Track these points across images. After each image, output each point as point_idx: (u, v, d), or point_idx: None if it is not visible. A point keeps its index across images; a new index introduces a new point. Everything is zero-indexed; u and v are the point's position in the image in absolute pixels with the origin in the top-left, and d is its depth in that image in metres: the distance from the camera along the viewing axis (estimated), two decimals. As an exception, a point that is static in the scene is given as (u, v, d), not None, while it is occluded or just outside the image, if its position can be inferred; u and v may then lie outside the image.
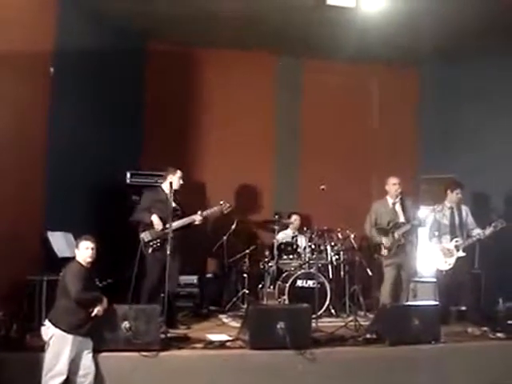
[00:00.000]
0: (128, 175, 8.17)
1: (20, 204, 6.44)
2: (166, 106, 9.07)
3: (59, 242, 6.73)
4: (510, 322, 6.71)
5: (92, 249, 5.27)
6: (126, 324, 5.40)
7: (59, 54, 7.17)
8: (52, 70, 7.10)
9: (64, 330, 4.99)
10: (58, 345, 4.96)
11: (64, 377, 4.94)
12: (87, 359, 5.12)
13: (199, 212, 7.07)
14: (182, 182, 7.09)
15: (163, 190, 7.10)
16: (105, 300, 5.29)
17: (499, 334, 6.58)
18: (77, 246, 5.31)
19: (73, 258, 5.36)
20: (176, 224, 6.80)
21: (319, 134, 9.64)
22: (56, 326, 5.00)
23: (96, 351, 5.26)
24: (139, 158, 8.67)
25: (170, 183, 6.83)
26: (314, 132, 9.65)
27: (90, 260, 5.26)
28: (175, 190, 6.93)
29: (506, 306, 7.12)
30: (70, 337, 4.99)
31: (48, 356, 4.97)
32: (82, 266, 5.24)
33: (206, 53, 9.30)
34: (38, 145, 6.96)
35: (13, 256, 6.04)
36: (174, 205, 6.87)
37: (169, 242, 6.34)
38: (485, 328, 6.75)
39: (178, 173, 7.10)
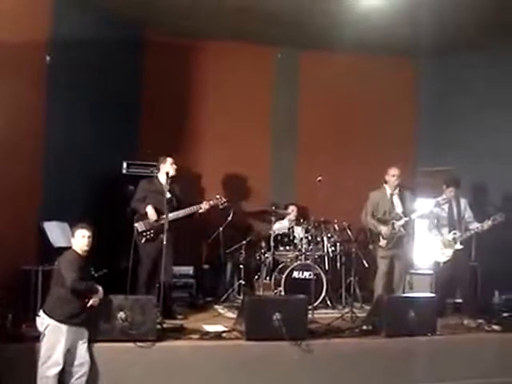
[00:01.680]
0: (124, 165, 8.13)
1: (15, 194, 6.41)
2: (164, 96, 8.99)
3: (55, 231, 6.70)
4: (505, 314, 6.73)
5: (88, 237, 5.21)
6: (121, 314, 5.40)
7: (55, 44, 7.12)
8: (48, 58, 7.05)
9: (58, 320, 4.95)
10: (53, 335, 4.93)
11: (60, 367, 4.92)
12: (82, 349, 5.11)
13: (204, 202, 7.11)
14: (175, 166, 7.08)
15: (159, 181, 7.11)
16: (100, 290, 5.25)
17: (495, 327, 6.61)
18: (73, 235, 5.26)
19: (69, 248, 5.33)
20: (177, 214, 6.81)
21: (317, 125, 9.61)
22: (50, 317, 4.96)
23: (92, 341, 5.26)
24: (136, 148, 8.62)
25: (167, 173, 6.86)
26: (312, 123, 9.62)
27: (86, 248, 5.21)
28: (171, 180, 6.93)
29: (502, 298, 7.15)
30: (64, 327, 4.96)
31: (43, 347, 4.95)
32: (78, 254, 5.19)
33: (204, 44, 9.23)
34: (34, 135, 6.92)
35: (8, 246, 6.02)
36: (168, 195, 6.89)
37: (164, 232, 6.34)
38: (481, 320, 6.77)
39: (169, 160, 7.10)
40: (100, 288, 5.26)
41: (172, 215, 6.80)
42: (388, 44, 8.96)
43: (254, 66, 9.45)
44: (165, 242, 6.31)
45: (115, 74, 8.27)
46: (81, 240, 5.19)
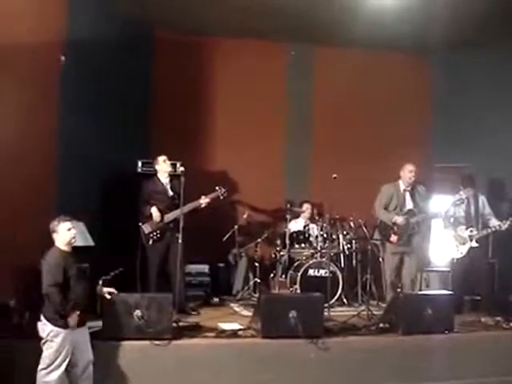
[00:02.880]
0: (139, 164, 8.15)
1: (32, 194, 6.44)
2: (175, 94, 9.00)
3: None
4: (523, 311, 6.67)
5: (73, 228, 4.93)
6: (138, 313, 5.41)
7: (69, 44, 7.14)
8: (63, 58, 7.08)
9: (58, 326, 4.77)
10: (56, 340, 4.76)
11: (61, 371, 4.77)
12: (85, 350, 4.96)
13: (203, 196, 7.11)
14: (168, 163, 7.13)
15: (159, 180, 7.18)
16: (77, 312, 4.83)
17: (513, 324, 6.54)
18: (54, 230, 4.91)
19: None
20: (178, 212, 6.78)
21: (331, 122, 9.58)
22: (51, 323, 4.78)
23: (108, 340, 5.30)
24: (148, 148, 8.63)
25: (165, 171, 7.08)
26: (327, 120, 9.58)
27: (74, 241, 4.95)
28: (172, 178, 7.10)
29: (520, 295, 7.08)
30: (65, 331, 4.77)
31: (45, 352, 4.78)
32: (63, 251, 4.89)
33: (216, 41, 9.23)
34: (48, 136, 6.94)
35: (25, 245, 6.05)
36: (171, 193, 6.96)
37: (180, 231, 6.43)
38: (498, 318, 6.70)
39: (160, 158, 7.16)
40: (78, 307, 4.87)
41: (172, 214, 6.92)
42: (402, 40, 8.91)
43: (267, 63, 9.40)
44: (180, 241, 6.42)
45: (128, 73, 8.27)
46: (66, 233, 4.89)
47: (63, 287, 4.77)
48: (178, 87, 8.99)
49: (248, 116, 9.29)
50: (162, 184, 7.15)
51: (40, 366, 4.79)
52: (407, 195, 7.48)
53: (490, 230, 7.33)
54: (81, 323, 4.91)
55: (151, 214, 6.97)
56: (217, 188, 7.28)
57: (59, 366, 4.76)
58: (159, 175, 7.20)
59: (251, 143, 9.19)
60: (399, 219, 7.26)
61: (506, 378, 6.02)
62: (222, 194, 7.28)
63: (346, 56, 9.20)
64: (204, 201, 7.09)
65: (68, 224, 4.91)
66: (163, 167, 7.15)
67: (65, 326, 4.77)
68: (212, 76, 9.26)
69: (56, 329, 4.77)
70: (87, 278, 5.16)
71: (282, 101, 9.57)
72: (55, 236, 4.93)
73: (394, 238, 7.30)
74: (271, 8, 8.00)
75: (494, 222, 7.33)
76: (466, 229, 7.38)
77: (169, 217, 6.97)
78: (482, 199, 7.53)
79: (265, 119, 9.36)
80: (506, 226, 7.18)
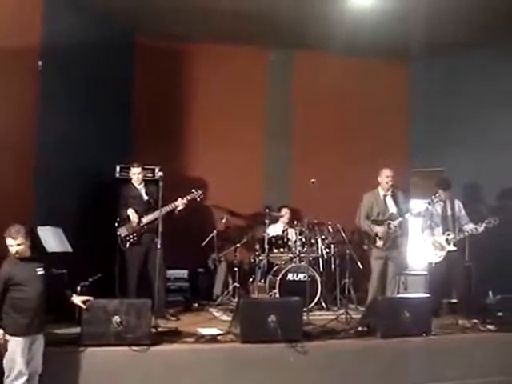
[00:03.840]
0: (117, 169, 8.13)
1: (8, 199, 6.37)
2: (156, 99, 8.99)
3: (48, 236, 6.68)
4: (500, 313, 6.74)
5: (17, 245, 4.74)
6: (116, 318, 5.36)
7: (46, 48, 7.10)
8: (40, 63, 7.03)
9: (12, 335, 4.68)
10: (11, 348, 4.66)
11: (25, 377, 4.67)
12: (35, 360, 4.83)
13: (179, 199, 7.10)
14: (138, 176, 7.19)
15: (134, 186, 7.25)
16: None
17: (490, 326, 6.63)
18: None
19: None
20: (154, 214, 6.84)
21: (311, 127, 9.64)
22: (5, 332, 4.69)
23: (87, 346, 5.24)
24: (128, 152, 8.60)
25: (141, 179, 7.22)
26: (306, 125, 9.64)
27: (18, 256, 4.77)
28: (146, 183, 7.25)
29: (496, 298, 7.15)
30: (20, 339, 4.67)
31: (5, 360, 4.68)
32: (13, 257, 4.77)
33: (196, 47, 9.25)
34: (26, 139, 6.90)
35: (1, 251, 5.97)
36: (146, 198, 7.10)
37: (159, 236, 6.43)
38: (475, 320, 6.79)
39: (132, 170, 7.24)
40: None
41: (151, 216, 6.96)
42: (381, 45, 9.00)
43: (247, 70, 9.45)
44: (159, 246, 6.40)
45: (107, 77, 8.25)
46: (10, 248, 4.76)
47: (4, 293, 4.69)
48: (158, 91, 8.99)
49: (227, 120, 9.30)
50: (136, 189, 7.21)
51: (5, 375, 4.69)
52: (388, 200, 7.55)
53: (466, 234, 7.43)
54: (35, 331, 4.81)
55: (128, 217, 6.98)
56: (193, 190, 7.27)
57: (22, 371, 4.65)
58: (133, 181, 7.25)
59: (230, 148, 9.19)
60: (379, 230, 7.32)
61: (484, 379, 6.09)
62: (199, 196, 7.28)
63: (326, 61, 9.26)
64: (180, 202, 7.09)
65: (10, 241, 4.76)
66: (134, 178, 7.23)
67: (15, 333, 4.68)
68: (192, 80, 9.26)
69: (11, 337, 4.68)
70: (49, 284, 4.90)
71: (261, 105, 9.62)
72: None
73: (379, 242, 7.36)
74: (251, 14, 8.04)
75: (470, 226, 7.43)
76: (443, 233, 7.46)
77: (148, 219, 6.98)
78: (458, 203, 7.63)
79: (244, 123, 9.38)
80: (482, 229, 7.28)
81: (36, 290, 4.80)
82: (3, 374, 4.72)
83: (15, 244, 4.76)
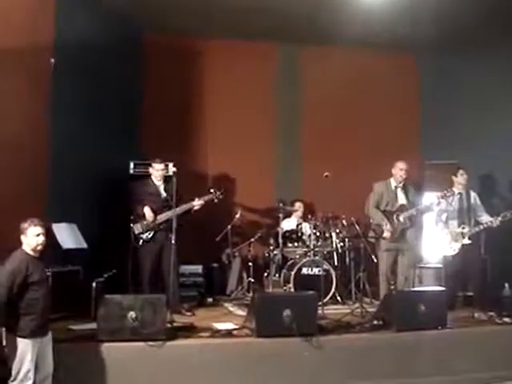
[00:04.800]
0: (131, 165, 8.16)
1: (23, 196, 6.41)
2: (166, 95, 9.02)
3: (64, 233, 6.73)
4: (516, 306, 6.70)
5: (43, 234, 4.70)
6: (132, 314, 5.39)
7: (58, 46, 7.11)
8: (53, 60, 7.05)
9: (21, 336, 4.57)
10: (20, 350, 4.56)
11: (31, 381, 4.60)
12: (45, 362, 4.77)
13: (196, 199, 7.10)
14: (162, 172, 7.13)
15: (153, 182, 7.20)
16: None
17: (506, 319, 6.57)
18: (23, 233, 4.69)
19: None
20: (171, 213, 6.77)
21: (322, 120, 9.63)
22: (13, 333, 4.58)
23: (103, 341, 5.28)
24: (137, 148, 8.63)
25: (162, 176, 7.13)
26: (317, 119, 9.63)
27: (40, 248, 4.72)
28: (165, 180, 7.12)
29: (512, 290, 7.10)
30: (31, 341, 4.59)
31: (12, 362, 4.57)
32: (28, 255, 4.68)
33: (204, 43, 9.26)
34: (39, 137, 6.91)
35: (17, 249, 6.01)
36: (164, 195, 7.03)
37: (173, 231, 6.42)
38: (491, 313, 6.74)
39: (155, 166, 7.16)
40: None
41: (164, 215, 6.94)
42: (390, 39, 8.98)
43: (257, 64, 9.46)
44: (173, 242, 6.40)
45: (117, 75, 8.26)
46: (34, 239, 4.67)
47: (20, 293, 4.58)
48: (169, 88, 9.00)
49: (238, 116, 9.32)
50: (155, 185, 7.16)
51: (12, 377, 4.59)
52: (399, 191, 7.51)
53: (482, 227, 7.36)
54: (43, 333, 4.75)
55: (144, 214, 6.97)
56: (212, 190, 7.26)
57: (28, 375, 4.57)
58: (153, 177, 7.20)
59: (242, 143, 9.22)
60: (388, 225, 7.28)
61: (499, 373, 6.04)
62: (217, 197, 7.26)
63: (335, 56, 9.19)
64: (197, 203, 7.09)
65: (38, 229, 4.69)
66: (155, 174, 7.16)
67: (25, 334, 4.59)
68: (201, 78, 9.28)
69: (18, 338, 4.58)
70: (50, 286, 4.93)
71: (271, 101, 9.60)
72: (23, 238, 4.73)
73: (387, 234, 7.32)
74: (259, 9, 8.02)
75: (486, 219, 7.37)
76: (459, 226, 7.41)
77: (161, 217, 6.98)
78: (474, 195, 7.57)
79: (255, 119, 9.39)
80: (498, 222, 7.21)
81: (46, 290, 4.78)
82: (3, 374, 4.65)
83: (42, 233, 4.69)
